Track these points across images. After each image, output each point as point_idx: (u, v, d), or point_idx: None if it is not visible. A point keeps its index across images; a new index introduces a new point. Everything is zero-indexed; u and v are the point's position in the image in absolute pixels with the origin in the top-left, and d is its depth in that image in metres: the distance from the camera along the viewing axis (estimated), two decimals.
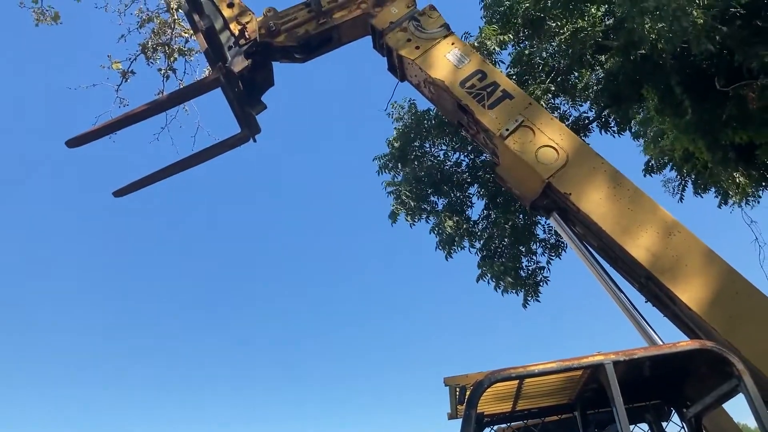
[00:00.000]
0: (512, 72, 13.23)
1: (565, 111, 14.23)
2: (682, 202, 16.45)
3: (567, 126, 13.76)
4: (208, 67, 6.87)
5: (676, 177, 16.73)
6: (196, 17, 6.10)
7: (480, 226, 13.64)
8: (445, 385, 4.15)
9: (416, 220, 13.49)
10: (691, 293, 4.60)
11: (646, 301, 5.46)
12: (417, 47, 6.17)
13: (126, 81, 11.69)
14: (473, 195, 14.06)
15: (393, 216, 13.44)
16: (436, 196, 13.83)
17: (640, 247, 4.85)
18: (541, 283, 13.10)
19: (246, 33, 6.33)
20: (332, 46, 6.89)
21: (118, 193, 6.67)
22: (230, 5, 6.52)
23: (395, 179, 14.24)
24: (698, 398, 4.40)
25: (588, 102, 14.14)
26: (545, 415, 5.10)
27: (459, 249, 13.27)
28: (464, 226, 13.23)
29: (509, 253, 13.08)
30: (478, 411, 3.78)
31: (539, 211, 5.67)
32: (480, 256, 13.31)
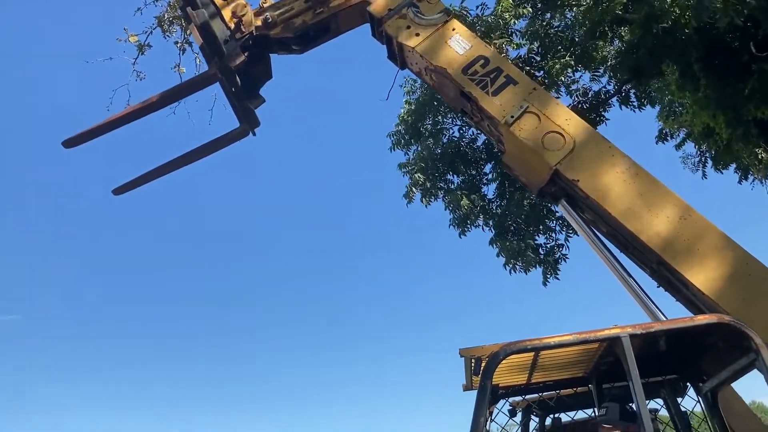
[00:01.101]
0: (531, 45, 13.06)
1: (585, 85, 14.06)
2: (705, 178, 16.28)
3: (586, 101, 13.75)
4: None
5: (696, 152, 16.59)
6: (191, 11, 5.96)
7: (495, 204, 13.55)
8: (461, 356, 4.18)
9: (432, 200, 13.44)
10: (703, 277, 4.55)
11: (658, 286, 5.41)
12: (417, 34, 6.03)
13: (143, 54, 11.70)
14: (489, 172, 13.97)
15: (407, 196, 13.40)
16: (451, 174, 13.74)
17: (651, 232, 4.80)
18: (560, 261, 13.01)
19: (242, 27, 6.21)
20: (330, 35, 6.76)
21: (118, 191, 6.64)
22: None
23: (408, 156, 14.16)
24: (715, 373, 4.39)
25: (607, 75, 13.93)
26: (560, 387, 5.12)
27: (473, 227, 13.22)
28: (480, 204, 13.14)
29: (525, 231, 12.99)
30: (493, 383, 3.81)
31: (547, 198, 5.62)
32: (494, 233, 13.23)
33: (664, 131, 16.27)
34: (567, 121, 5.40)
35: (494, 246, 12.95)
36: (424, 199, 13.34)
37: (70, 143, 6.10)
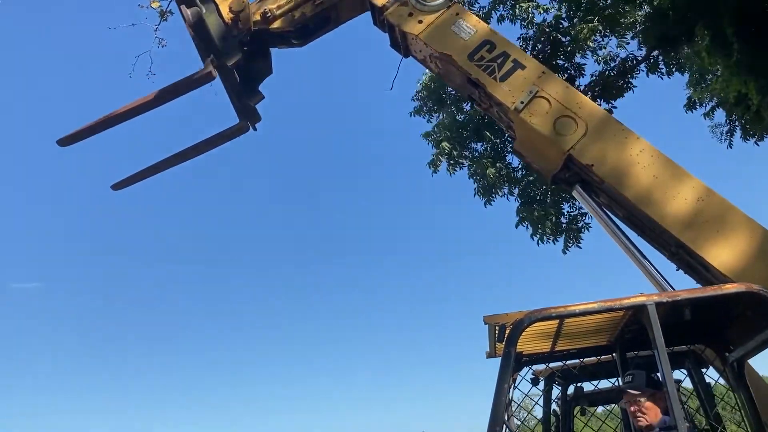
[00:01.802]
0: (558, 11, 12.82)
1: (612, 51, 13.79)
2: (731, 148, 16.02)
3: (613, 67, 13.50)
4: None
5: (726, 121, 16.26)
6: (184, 9, 5.77)
7: (521, 172, 13.43)
8: (485, 324, 4.19)
9: (456, 169, 13.34)
10: (723, 258, 4.49)
11: (677, 269, 5.36)
12: (420, 21, 5.90)
13: (165, 21, 11.68)
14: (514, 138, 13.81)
15: (434, 165, 13.30)
16: (475, 142, 13.61)
17: (669, 215, 4.73)
18: (582, 230, 12.92)
19: (239, 23, 6.06)
20: (330, 26, 6.63)
21: (117, 186, 6.63)
22: None
23: (430, 124, 14.03)
24: (741, 342, 4.36)
25: (636, 41, 13.64)
26: (584, 356, 5.12)
27: (498, 196, 13.14)
28: (504, 172, 13.03)
29: (551, 199, 12.89)
30: (516, 350, 3.82)
31: (561, 184, 5.54)
32: (519, 202, 13.15)
33: (693, 99, 15.96)
34: (578, 104, 5.30)
35: (519, 215, 12.88)
36: (450, 168, 13.25)
37: (64, 142, 6.04)
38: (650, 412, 4.12)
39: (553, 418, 8.30)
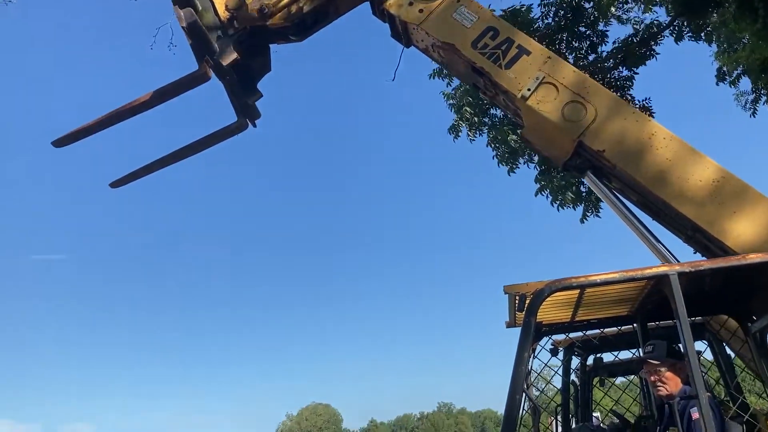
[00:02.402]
0: None
1: (636, 17, 13.51)
2: (754, 116, 15.75)
3: (636, 34, 13.24)
4: None
5: (751, 90, 15.95)
6: (177, 9, 5.59)
7: None
8: (505, 293, 4.18)
9: (477, 135, 13.17)
10: (741, 240, 4.40)
11: (695, 252, 5.28)
12: (420, 10, 5.75)
13: None
14: None
15: (455, 130, 13.13)
16: (495, 108, 13.40)
17: (684, 198, 4.64)
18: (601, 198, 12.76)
19: (235, 21, 5.88)
20: (329, 19, 6.46)
21: (115, 184, 6.58)
22: None
23: (450, 85, 13.77)
24: (765, 313, 4.31)
25: (662, 7, 13.33)
26: (604, 326, 5.09)
27: (521, 164, 12.98)
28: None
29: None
30: (536, 320, 3.81)
31: (572, 171, 5.43)
32: (538, 170, 12.99)
33: (722, 69, 15.63)
34: (587, 88, 5.19)
35: (538, 183, 12.74)
36: (470, 133, 13.07)
37: (60, 143, 6.00)
38: (670, 382, 4.11)
39: (572, 389, 8.32)
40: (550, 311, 4.54)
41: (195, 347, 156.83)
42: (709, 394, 3.48)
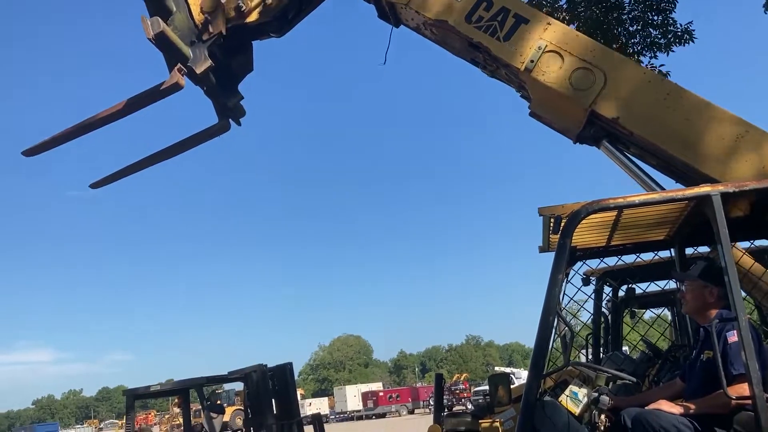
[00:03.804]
0: None
1: None
2: None
3: None
4: None
5: None
6: (144, 19, 5.26)
7: None
8: (540, 215, 4.09)
9: None
10: None
11: None
12: None
13: None
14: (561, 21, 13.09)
15: None
16: None
17: (707, 158, 4.44)
18: None
19: (210, 26, 5.58)
20: (310, 8, 6.19)
21: (96, 185, 6.51)
22: None
23: None
24: None
25: None
26: (640, 251, 4.99)
27: None
28: None
29: None
30: (571, 243, 3.73)
31: (587, 142, 5.17)
32: None
33: None
34: (592, 52, 4.93)
35: None
36: None
37: (29, 152, 5.90)
38: (695, 301, 4.01)
39: (601, 320, 8.29)
40: (584, 235, 4.45)
41: (228, 279, 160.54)
42: (749, 316, 3.40)
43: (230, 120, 6.37)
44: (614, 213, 3.95)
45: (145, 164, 6.44)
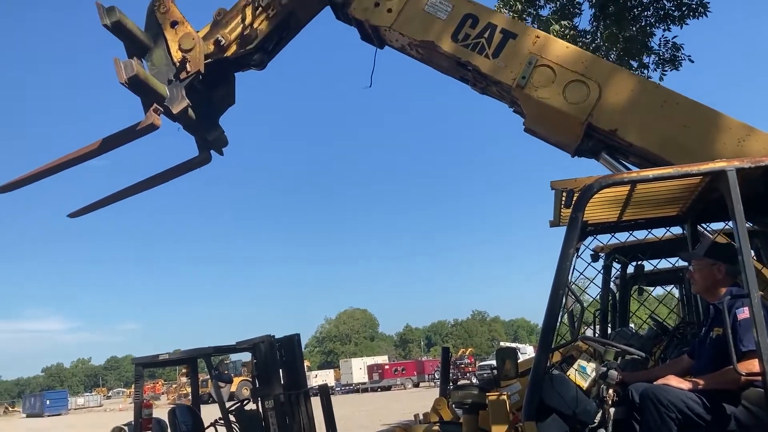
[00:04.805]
0: None
1: None
2: None
3: None
4: None
5: None
6: (117, 62, 5.14)
7: (587, 38, 12.60)
8: (552, 189, 4.06)
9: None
10: None
11: None
12: (389, 10, 5.29)
13: None
14: (582, 2, 12.87)
15: None
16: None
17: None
18: None
19: (188, 65, 5.47)
20: (291, 35, 6.05)
21: (74, 215, 6.48)
22: (174, 24, 5.61)
23: None
24: None
25: None
26: (652, 226, 4.96)
27: None
28: (571, 33, 12.18)
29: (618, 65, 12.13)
30: (583, 217, 3.70)
31: (586, 155, 5.06)
32: None
33: None
34: (584, 63, 4.83)
35: None
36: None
37: (3, 189, 5.90)
38: (704, 280, 3.99)
39: (609, 296, 8.27)
40: (596, 210, 4.42)
41: (235, 252, 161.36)
42: (761, 292, 3.38)
43: (212, 151, 6.27)
44: (627, 188, 3.92)
45: (125, 195, 6.41)
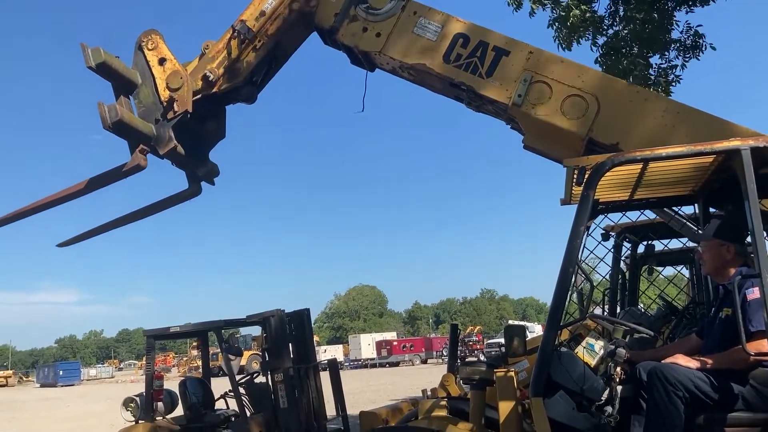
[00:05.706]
0: None
1: None
2: None
3: None
4: None
5: None
6: (101, 106, 5.11)
7: (606, 22, 12.43)
8: (564, 166, 4.03)
9: (539, 8, 12.32)
10: None
11: None
12: (378, 34, 5.21)
13: None
14: None
15: (516, 1, 12.33)
16: None
17: None
18: (673, 83, 12.07)
19: (175, 104, 5.38)
20: (278, 65, 5.99)
21: (63, 244, 6.51)
22: (162, 61, 5.54)
23: None
24: None
25: None
26: (664, 205, 4.93)
27: (579, 43, 12.24)
28: (590, 16, 12.01)
29: (637, 53, 11.99)
30: (594, 196, 3.69)
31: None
32: (599, 53, 12.27)
33: None
34: (580, 77, 4.73)
35: (602, 67, 12.11)
36: (534, 5, 12.22)
37: None
38: (713, 261, 3.98)
39: (618, 276, 8.27)
40: (607, 189, 4.39)
41: (246, 227, 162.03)
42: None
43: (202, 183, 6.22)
44: (639, 166, 3.89)
45: (115, 225, 6.43)
